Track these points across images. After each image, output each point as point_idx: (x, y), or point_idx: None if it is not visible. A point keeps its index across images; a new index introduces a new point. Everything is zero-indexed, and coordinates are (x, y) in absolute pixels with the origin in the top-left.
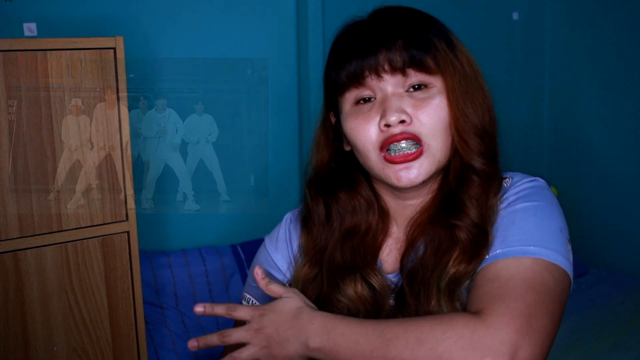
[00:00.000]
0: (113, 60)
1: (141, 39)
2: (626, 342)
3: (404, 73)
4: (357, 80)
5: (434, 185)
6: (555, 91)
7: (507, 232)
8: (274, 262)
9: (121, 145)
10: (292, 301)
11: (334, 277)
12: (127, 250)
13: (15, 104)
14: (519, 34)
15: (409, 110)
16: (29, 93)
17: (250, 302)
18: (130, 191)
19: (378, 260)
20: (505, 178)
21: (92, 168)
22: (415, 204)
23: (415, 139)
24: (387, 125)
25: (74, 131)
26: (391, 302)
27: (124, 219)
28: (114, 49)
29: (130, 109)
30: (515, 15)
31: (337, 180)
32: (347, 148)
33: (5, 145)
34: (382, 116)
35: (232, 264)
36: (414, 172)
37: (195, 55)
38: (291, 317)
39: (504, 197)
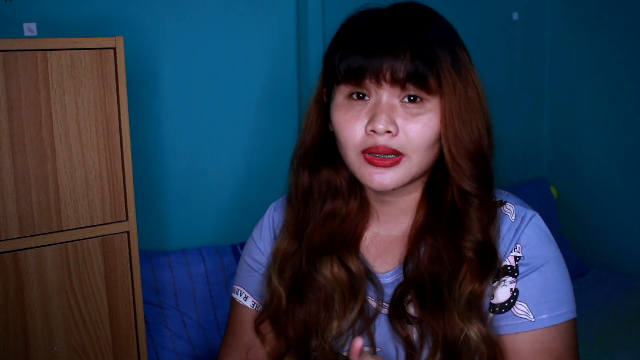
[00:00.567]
0: (113, 60)
1: (141, 39)
2: (626, 342)
3: (403, 87)
4: (356, 79)
5: (416, 192)
6: (555, 91)
7: (545, 294)
8: (258, 249)
9: (121, 145)
10: None
11: (312, 256)
12: (127, 250)
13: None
14: (519, 34)
15: (398, 121)
16: (29, 93)
17: (242, 294)
18: (130, 191)
19: (361, 254)
20: (503, 202)
21: (92, 168)
22: (392, 201)
23: (397, 153)
24: (373, 131)
25: (74, 131)
26: (384, 310)
27: (124, 219)
28: (114, 49)
29: (130, 108)
30: (515, 15)
31: (322, 156)
32: (332, 129)
33: (5, 145)
34: (371, 120)
35: (232, 264)
36: (387, 179)
37: (195, 55)
38: None
39: (518, 235)
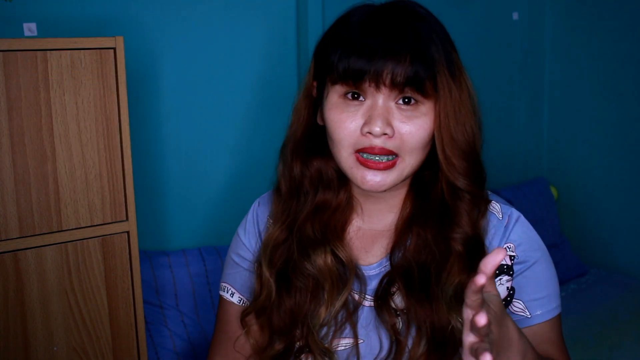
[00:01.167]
0: (113, 60)
1: (141, 39)
2: (626, 342)
3: (401, 90)
4: (355, 81)
5: (403, 189)
6: (555, 91)
7: (538, 291)
8: (243, 244)
9: (121, 145)
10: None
11: (305, 247)
12: (127, 250)
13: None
14: (519, 34)
15: (394, 123)
16: (29, 93)
17: (229, 291)
18: (130, 191)
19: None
20: (489, 200)
21: (92, 168)
22: (378, 197)
23: (392, 154)
24: (370, 133)
25: (74, 131)
26: (366, 302)
27: (124, 219)
28: (114, 49)
29: (130, 108)
30: (515, 15)
31: (311, 148)
32: (321, 123)
33: (5, 145)
34: (367, 123)
35: None
36: (380, 182)
37: (195, 55)
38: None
39: (508, 233)
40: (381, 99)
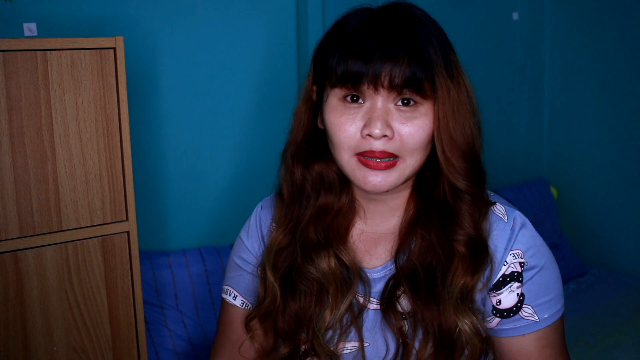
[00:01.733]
0: (113, 60)
1: (141, 39)
2: (626, 342)
3: (400, 92)
4: (353, 84)
5: (405, 191)
6: (555, 91)
7: (544, 294)
8: (246, 247)
9: (121, 145)
10: None
11: (308, 251)
12: (127, 250)
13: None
14: (519, 34)
15: (393, 125)
16: (29, 93)
17: (231, 294)
18: (130, 191)
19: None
20: (493, 202)
21: (92, 168)
22: (381, 200)
23: (393, 156)
24: (370, 135)
25: (74, 131)
26: (371, 305)
27: (124, 219)
28: (114, 49)
29: (130, 108)
30: (515, 15)
31: (312, 152)
32: (322, 126)
33: (5, 145)
34: (367, 125)
35: None
36: (382, 182)
37: (195, 55)
38: None
39: (515, 236)
40: (380, 101)
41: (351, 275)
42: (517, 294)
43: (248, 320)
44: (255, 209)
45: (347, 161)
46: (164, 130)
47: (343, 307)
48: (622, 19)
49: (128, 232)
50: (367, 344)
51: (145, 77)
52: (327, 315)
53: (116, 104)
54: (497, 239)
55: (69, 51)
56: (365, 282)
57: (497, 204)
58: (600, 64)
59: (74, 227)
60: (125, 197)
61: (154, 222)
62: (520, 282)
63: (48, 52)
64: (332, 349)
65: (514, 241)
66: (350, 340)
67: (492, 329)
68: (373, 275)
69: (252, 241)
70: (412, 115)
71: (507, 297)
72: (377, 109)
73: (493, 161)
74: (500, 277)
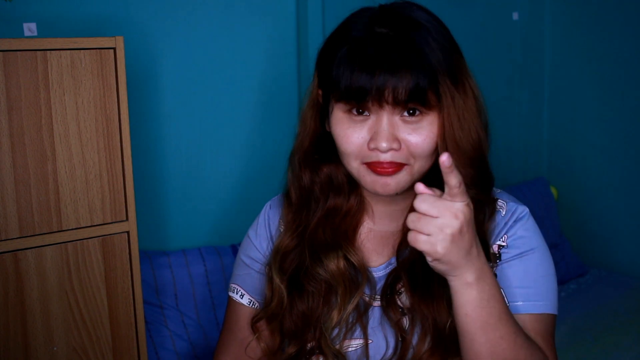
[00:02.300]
0: (113, 60)
1: (141, 39)
2: (626, 342)
3: (404, 106)
4: (357, 101)
5: (411, 192)
6: (555, 91)
7: (523, 282)
8: (254, 246)
9: (121, 145)
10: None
11: (317, 252)
12: (127, 250)
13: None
14: (519, 34)
15: (400, 136)
16: (29, 93)
17: (239, 292)
18: (130, 191)
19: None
20: (497, 199)
21: (92, 168)
22: (390, 200)
23: (400, 165)
24: (376, 148)
25: (74, 131)
26: (376, 303)
27: (124, 219)
28: (114, 49)
29: (130, 108)
30: (515, 15)
31: (320, 155)
32: (329, 129)
33: (5, 145)
34: (373, 139)
35: (232, 264)
36: (392, 185)
37: (195, 55)
38: (474, 236)
39: (507, 228)
40: (385, 116)
41: (359, 275)
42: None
43: (255, 321)
44: (264, 207)
45: (356, 168)
46: (164, 130)
47: (350, 307)
48: (622, 19)
49: (128, 232)
50: (371, 341)
51: (145, 77)
52: (335, 316)
53: (116, 104)
54: (493, 232)
55: (69, 51)
56: (371, 281)
57: (499, 200)
58: (600, 63)
59: (74, 227)
60: (125, 197)
61: (154, 222)
62: (496, 262)
63: (48, 52)
64: (337, 347)
65: (505, 231)
66: (355, 338)
67: None
68: (377, 273)
69: (260, 240)
70: (418, 125)
71: None
72: (383, 123)
73: (493, 161)
74: None
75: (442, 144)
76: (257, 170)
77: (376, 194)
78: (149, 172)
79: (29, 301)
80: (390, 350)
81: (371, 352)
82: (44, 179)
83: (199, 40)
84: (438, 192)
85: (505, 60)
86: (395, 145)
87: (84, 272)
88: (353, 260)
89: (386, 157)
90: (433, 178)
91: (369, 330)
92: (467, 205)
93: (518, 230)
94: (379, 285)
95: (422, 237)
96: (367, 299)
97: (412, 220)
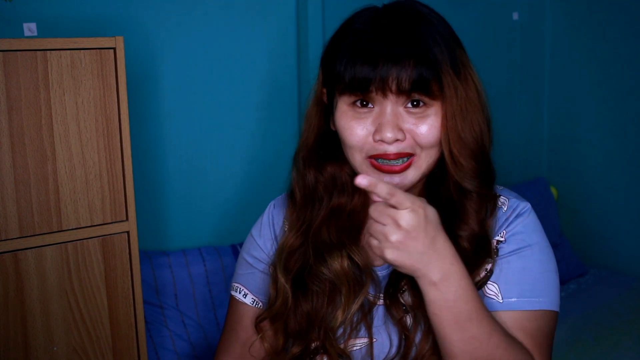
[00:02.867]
0: (113, 60)
1: (141, 39)
2: (626, 342)
3: (408, 95)
4: (361, 90)
5: (416, 189)
6: (555, 91)
7: (519, 278)
8: (258, 246)
9: (121, 145)
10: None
11: (321, 252)
12: (127, 250)
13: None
14: (519, 34)
15: (404, 127)
16: (29, 93)
17: (241, 291)
18: (130, 191)
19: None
20: (499, 196)
21: (92, 168)
22: None
23: (408, 155)
24: (382, 140)
25: (74, 131)
26: (380, 302)
27: (124, 219)
28: (114, 49)
29: (130, 108)
30: (515, 15)
31: (324, 154)
32: (334, 128)
33: (5, 145)
34: (378, 130)
35: (232, 264)
36: (399, 183)
37: (195, 55)
38: (432, 238)
39: (507, 224)
40: (389, 106)
41: (363, 275)
42: (485, 269)
43: (259, 321)
44: (268, 207)
45: (360, 164)
46: (164, 130)
47: (355, 307)
48: (622, 19)
49: (128, 232)
50: (375, 340)
51: (145, 77)
52: (339, 315)
53: (116, 104)
54: (494, 228)
55: (69, 51)
56: (376, 280)
57: (501, 196)
58: (600, 63)
59: (74, 227)
60: (125, 197)
61: (154, 222)
62: (493, 258)
63: (48, 52)
64: (342, 346)
65: (504, 227)
66: (359, 338)
67: None
68: (381, 272)
69: (264, 240)
70: (423, 115)
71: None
72: (387, 113)
73: (493, 161)
74: None
75: (445, 134)
76: (257, 170)
77: None
78: (149, 172)
79: (29, 301)
80: (394, 349)
81: (375, 350)
82: (44, 179)
83: (199, 40)
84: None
85: (505, 60)
86: (400, 136)
87: (84, 272)
88: (357, 260)
89: (392, 149)
90: (440, 176)
91: (374, 329)
92: (413, 211)
93: (517, 226)
94: (383, 283)
95: (374, 242)
96: (371, 298)
97: (369, 224)
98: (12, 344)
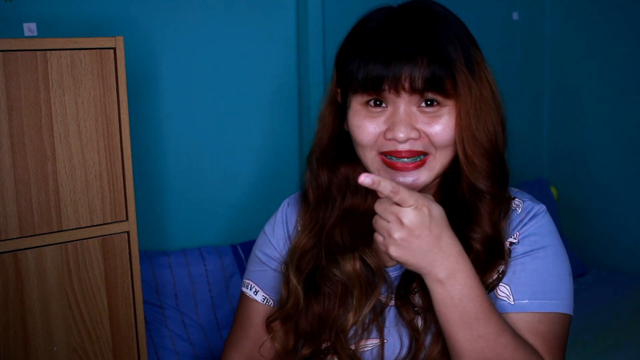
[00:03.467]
0: (113, 60)
1: (141, 39)
2: (626, 342)
3: (422, 94)
4: (374, 89)
5: (431, 190)
6: (555, 91)
7: (532, 280)
8: (271, 244)
9: (121, 145)
10: (442, 216)
11: (333, 253)
12: (127, 250)
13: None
14: (519, 34)
15: (418, 126)
16: (29, 93)
17: (252, 288)
18: (130, 191)
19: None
20: (512, 198)
21: (92, 168)
22: None
23: (422, 154)
24: (394, 139)
25: (74, 131)
26: (392, 302)
27: (124, 219)
28: (114, 49)
29: (130, 108)
30: (515, 15)
31: (338, 155)
32: (347, 129)
33: (5, 145)
34: (390, 129)
35: (232, 264)
36: (413, 182)
37: (196, 55)
38: (437, 236)
39: (521, 225)
40: (402, 105)
41: (376, 278)
42: (498, 270)
43: (270, 321)
44: (282, 205)
45: (372, 161)
46: (164, 130)
47: (367, 309)
48: (622, 19)
49: (128, 232)
50: (386, 341)
51: (145, 77)
52: (351, 318)
53: (116, 104)
54: (507, 230)
55: (69, 51)
56: (387, 281)
57: (515, 199)
58: (600, 63)
59: (74, 227)
60: (125, 197)
61: (154, 222)
62: (505, 260)
63: (48, 52)
64: (352, 347)
65: (518, 228)
66: (370, 339)
67: None
68: (394, 273)
69: (277, 238)
70: (437, 114)
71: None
72: (400, 113)
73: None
74: None
75: (459, 133)
76: (257, 170)
77: None
78: (149, 172)
79: (29, 301)
80: (405, 350)
81: (386, 352)
82: (44, 179)
83: (199, 40)
84: (400, 192)
85: (505, 60)
86: (413, 134)
87: (84, 272)
88: (369, 262)
89: (404, 146)
90: (454, 177)
91: (385, 330)
92: (416, 209)
93: (531, 228)
94: (395, 284)
95: (380, 238)
96: (383, 299)
97: (374, 220)
98: (12, 344)
